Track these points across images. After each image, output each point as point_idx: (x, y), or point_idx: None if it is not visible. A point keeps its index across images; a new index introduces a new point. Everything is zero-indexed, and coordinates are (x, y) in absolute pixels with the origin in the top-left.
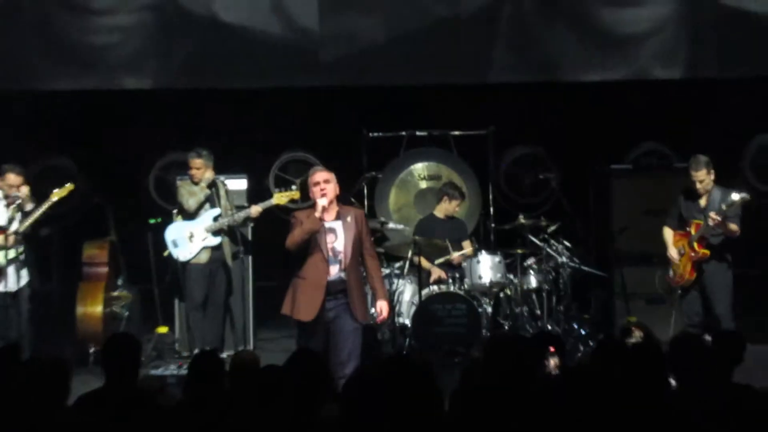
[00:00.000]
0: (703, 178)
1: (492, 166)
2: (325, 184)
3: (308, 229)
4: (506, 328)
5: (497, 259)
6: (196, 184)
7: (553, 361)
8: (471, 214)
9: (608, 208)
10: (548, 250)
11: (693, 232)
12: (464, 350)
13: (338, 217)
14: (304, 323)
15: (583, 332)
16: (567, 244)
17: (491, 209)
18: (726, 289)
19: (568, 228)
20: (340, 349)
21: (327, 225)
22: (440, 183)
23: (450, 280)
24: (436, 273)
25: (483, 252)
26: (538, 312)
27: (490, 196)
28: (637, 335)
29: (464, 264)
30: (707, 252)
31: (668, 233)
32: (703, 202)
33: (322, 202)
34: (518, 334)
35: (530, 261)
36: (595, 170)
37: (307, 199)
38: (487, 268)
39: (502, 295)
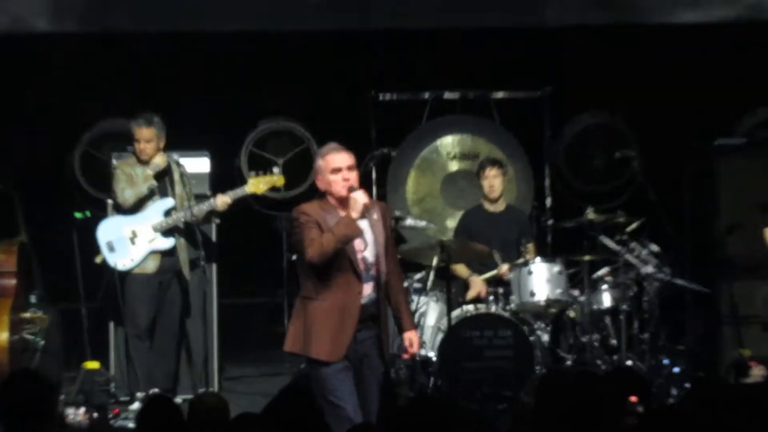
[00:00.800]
0: None
1: (549, 140)
2: (349, 173)
3: (344, 234)
4: (568, 363)
5: (556, 268)
6: (145, 163)
7: (633, 410)
8: (519, 206)
9: (711, 198)
10: (627, 256)
11: None
12: (510, 393)
13: (362, 214)
14: (322, 365)
15: (676, 369)
16: (654, 248)
17: (548, 200)
18: None
19: (656, 226)
20: (369, 403)
21: None
22: (478, 162)
23: (491, 298)
24: (477, 287)
25: (537, 259)
26: (614, 341)
27: (546, 182)
28: (756, 373)
29: (511, 276)
30: None
31: None
32: None
33: (361, 197)
34: (585, 371)
35: (602, 272)
36: (692, 147)
37: (295, 187)
38: (542, 281)
39: (563, 317)
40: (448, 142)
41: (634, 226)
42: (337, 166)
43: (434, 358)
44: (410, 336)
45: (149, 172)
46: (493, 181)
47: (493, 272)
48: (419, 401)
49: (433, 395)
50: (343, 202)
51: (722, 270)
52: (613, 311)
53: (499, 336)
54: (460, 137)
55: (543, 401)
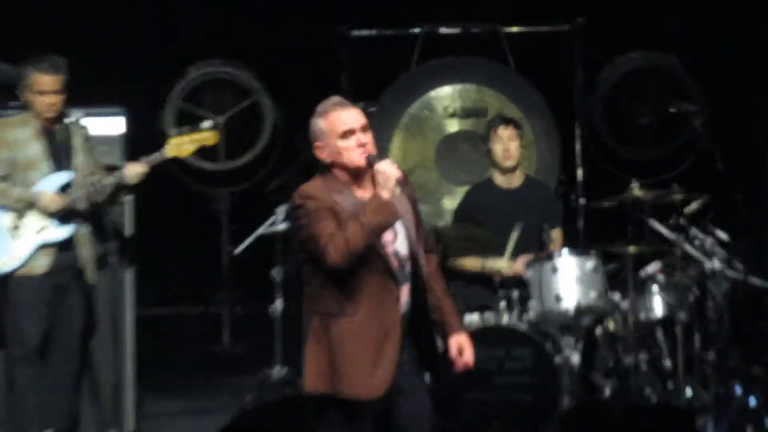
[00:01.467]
0: None
1: (581, 89)
2: (364, 135)
3: (377, 224)
4: (607, 392)
5: (590, 264)
6: (57, 122)
7: None
8: (541, 179)
9: None
10: (687, 247)
11: None
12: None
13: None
14: (357, 405)
15: (752, 401)
16: (723, 236)
17: (579, 171)
18: None
19: (725, 207)
20: None
21: None
22: (485, 121)
23: (502, 304)
24: (517, 267)
25: (564, 252)
26: (668, 363)
27: (577, 147)
28: None
29: (529, 274)
30: None
31: None
32: None
33: (391, 169)
34: (630, 404)
35: (653, 268)
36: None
37: (240, 155)
38: (571, 281)
39: (599, 331)
40: (445, 94)
41: (695, 206)
42: (348, 127)
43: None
44: (459, 341)
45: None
46: (508, 143)
47: (499, 267)
48: None
49: None
50: (359, 176)
51: None
52: (666, 322)
53: (514, 357)
54: (462, 88)
55: None
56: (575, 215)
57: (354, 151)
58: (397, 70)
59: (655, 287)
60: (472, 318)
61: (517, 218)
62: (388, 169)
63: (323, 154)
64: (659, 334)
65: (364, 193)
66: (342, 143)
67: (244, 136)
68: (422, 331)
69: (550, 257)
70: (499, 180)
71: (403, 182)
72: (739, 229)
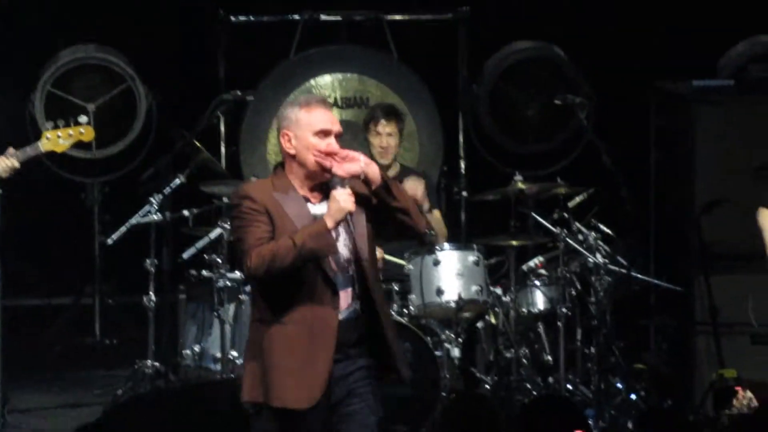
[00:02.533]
0: None
1: (465, 79)
2: (336, 141)
3: (310, 250)
4: (487, 387)
5: (472, 258)
6: None
7: None
8: (424, 171)
9: (687, 162)
10: (569, 241)
11: None
12: (407, 429)
13: (326, 192)
14: (289, 416)
15: (633, 396)
16: (606, 230)
17: (462, 163)
18: None
19: (609, 201)
20: None
21: (313, 211)
22: (365, 113)
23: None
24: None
25: (445, 245)
26: (549, 357)
27: (460, 138)
28: (743, 400)
29: (410, 268)
30: None
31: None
32: None
33: (346, 201)
34: (509, 398)
35: (535, 262)
36: (660, 91)
37: (112, 143)
38: (452, 274)
39: (480, 325)
40: (325, 83)
41: (579, 199)
42: (325, 127)
43: None
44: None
45: None
46: (387, 140)
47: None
48: None
49: None
50: (314, 180)
51: (698, 261)
52: (548, 316)
53: None
54: (343, 77)
55: None
56: (457, 208)
57: (319, 153)
58: (277, 58)
59: (537, 282)
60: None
61: None
62: (342, 200)
63: (288, 144)
64: (540, 328)
65: (311, 199)
66: (314, 140)
67: (116, 124)
68: (376, 336)
69: (431, 250)
70: None
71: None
72: (624, 224)
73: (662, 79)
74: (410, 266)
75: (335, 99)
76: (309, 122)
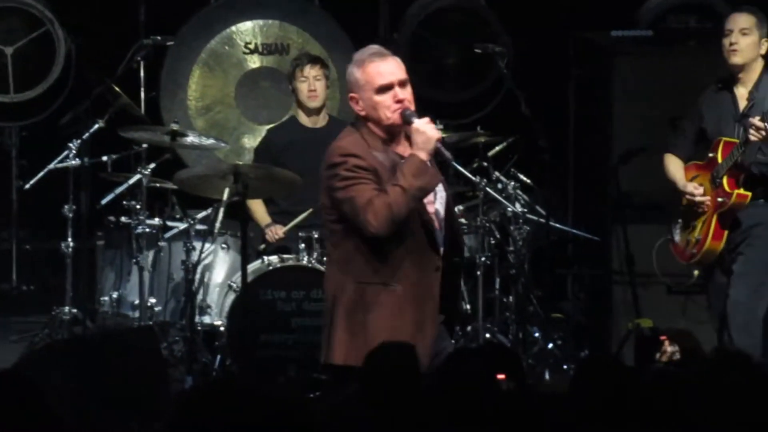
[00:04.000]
0: (742, 25)
1: (386, 27)
2: (402, 90)
3: (418, 187)
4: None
5: None
6: None
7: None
8: (344, 119)
9: (606, 112)
10: (489, 190)
11: (720, 159)
12: (324, 377)
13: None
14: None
15: (550, 345)
16: (525, 179)
17: None
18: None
19: (527, 150)
20: None
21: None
22: (288, 58)
23: (302, 245)
24: (274, 230)
25: None
26: (468, 307)
27: None
28: (667, 351)
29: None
30: (746, 195)
31: (674, 163)
32: (742, 102)
33: (430, 129)
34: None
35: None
36: (579, 40)
37: (30, 86)
38: None
39: None
40: (246, 29)
41: (498, 149)
42: (385, 82)
43: (222, 329)
44: None
45: None
46: (314, 83)
47: (304, 216)
48: (202, 388)
49: (220, 379)
50: (394, 133)
51: (617, 212)
52: (467, 265)
53: (313, 298)
54: (264, 23)
55: (369, 388)
56: None
57: (390, 107)
58: (197, 4)
59: None
60: (272, 259)
61: (321, 158)
62: (427, 130)
63: (358, 107)
64: (461, 277)
65: (403, 150)
66: (378, 98)
67: (35, 68)
68: (448, 292)
69: None
70: (303, 119)
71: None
72: (542, 174)
73: (582, 29)
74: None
75: (256, 45)
76: (367, 81)
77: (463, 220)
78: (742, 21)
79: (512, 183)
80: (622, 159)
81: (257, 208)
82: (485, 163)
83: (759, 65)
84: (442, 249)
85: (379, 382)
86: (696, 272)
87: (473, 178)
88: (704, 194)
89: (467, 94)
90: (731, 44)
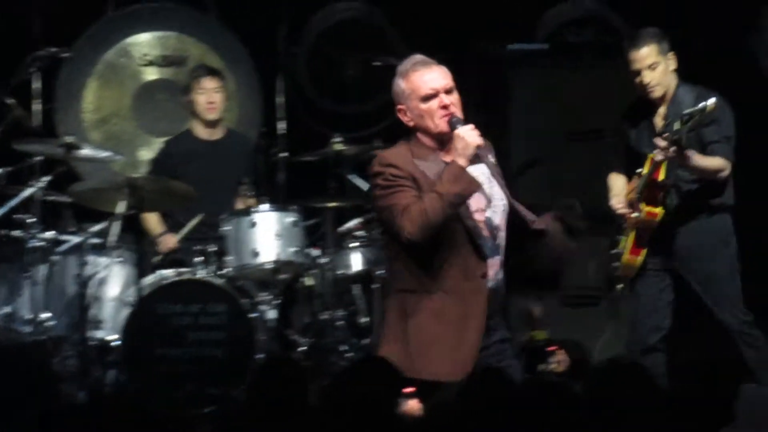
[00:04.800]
0: (648, 61)
1: (285, 41)
2: (448, 96)
3: (454, 194)
4: (304, 349)
5: (289, 219)
6: None
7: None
8: (242, 132)
9: (503, 125)
10: None
11: (643, 174)
12: (220, 392)
13: (474, 155)
14: (433, 388)
15: None
16: None
17: (280, 124)
18: (729, 278)
19: None
20: None
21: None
22: (185, 70)
23: (197, 259)
24: (168, 241)
25: (262, 206)
26: (365, 319)
27: (280, 100)
28: (556, 362)
29: (226, 228)
30: (656, 213)
31: (614, 180)
32: (659, 121)
33: (470, 135)
34: (324, 361)
35: (352, 224)
36: (476, 53)
37: None
38: (269, 236)
39: (298, 285)
40: (143, 41)
41: None
42: (430, 90)
43: (116, 343)
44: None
45: None
46: (213, 95)
47: (194, 222)
48: (93, 403)
49: (113, 395)
50: (445, 141)
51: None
52: (365, 278)
53: (209, 312)
54: (161, 35)
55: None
56: (276, 169)
57: (436, 114)
58: (94, 15)
59: (354, 243)
60: (167, 273)
61: (217, 171)
62: (467, 135)
63: (406, 118)
64: (356, 290)
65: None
66: (424, 106)
67: None
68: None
69: (248, 212)
70: (200, 132)
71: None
72: None
73: (479, 41)
74: (227, 227)
75: (153, 58)
76: (412, 91)
77: (360, 233)
78: (645, 56)
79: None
80: (519, 170)
81: (151, 218)
82: None
83: (674, 81)
84: (498, 257)
85: (264, 398)
86: (618, 286)
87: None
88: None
89: (367, 106)
90: (646, 84)
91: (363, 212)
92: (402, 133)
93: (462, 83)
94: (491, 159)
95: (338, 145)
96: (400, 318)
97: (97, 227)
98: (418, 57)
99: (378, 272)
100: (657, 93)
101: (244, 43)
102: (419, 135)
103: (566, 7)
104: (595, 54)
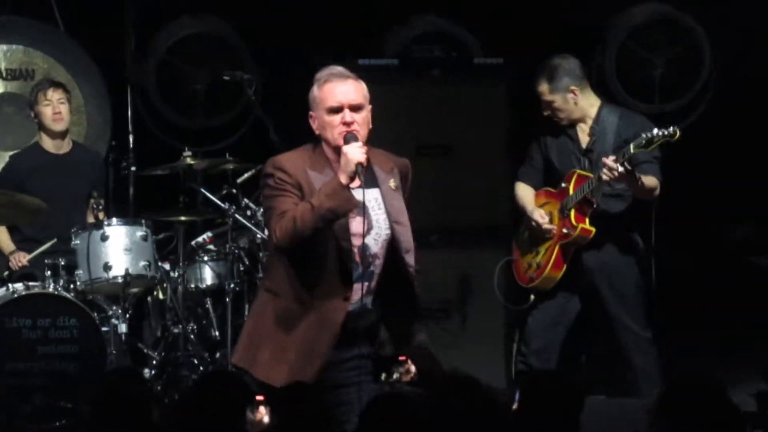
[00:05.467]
0: (543, 98)
1: (134, 55)
2: (354, 114)
3: (327, 208)
4: (153, 364)
5: (140, 233)
6: None
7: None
8: (91, 146)
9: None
10: (238, 217)
11: (571, 190)
12: (72, 405)
13: (371, 178)
14: (281, 391)
15: None
16: None
17: (131, 138)
18: (636, 299)
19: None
20: None
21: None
22: (32, 84)
23: (48, 272)
24: (19, 258)
25: (113, 221)
26: (217, 333)
27: (129, 113)
28: (405, 371)
29: (76, 242)
30: (590, 230)
31: (523, 189)
32: (584, 137)
33: (354, 152)
34: (175, 374)
35: (204, 237)
36: (322, 68)
37: None
38: (119, 250)
39: (149, 299)
40: None
41: (247, 175)
42: (335, 102)
43: None
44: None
45: None
46: (58, 105)
47: (48, 245)
48: None
49: None
50: (341, 155)
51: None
52: (216, 291)
53: (59, 326)
54: (8, 48)
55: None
56: (126, 183)
57: (336, 128)
58: None
59: (205, 257)
60: (17, 287)
61: (66, 185)
62: (350, 152)
63: (314, 125)
64: (209, 303)
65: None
66: (328, 118)
67: None
68: (380, 331)
69: (99, 225)
70: (48, 145)
71: (403, 176)
72: None
73: (329, 55)
74: (77, 241)
75: (0, 71)
76: (321, 99)
77: (212, 247)
78: (540, 93)
79: (261, 209)
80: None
81: (1, 235)
82: (234, 190)
83: (593, 105)
84: (365, 283)
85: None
86: (532, 296)
87: (222, 205)
88: (551, 222)
89: (216, 120)
90: (547, 116)
91: (214, 226)
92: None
93: (302, 102)
94: (392, 184)
95: (189, 158)
96: (257, 314)
97: None
98: (337, 68)
99: (231, 285)
100: (564, 122)
101: (91, 56)
102: (324, 144)
103: (414, 23)
104: (443, 69)
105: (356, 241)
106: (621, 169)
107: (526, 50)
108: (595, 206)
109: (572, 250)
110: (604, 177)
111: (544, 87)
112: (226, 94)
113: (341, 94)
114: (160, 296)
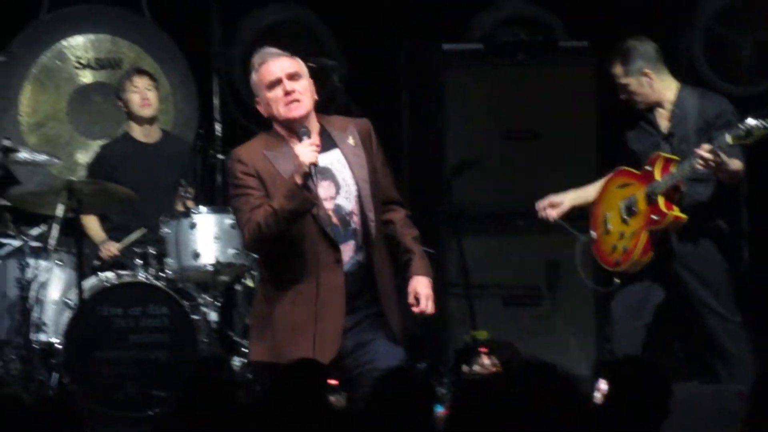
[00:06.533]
0: (618, 81)
1: (219, 44)
2: (293, 82)
3: (288, 212)
4: (243, 352)
5: (229, 221)
6: None
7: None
8: (179, 134)
9: (439, 125)
10: None
11: (658, 175)
12: (164, 394)
13: (329, 141)
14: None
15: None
16: None
17: (217, 126)
18: (723, 285)
19: None
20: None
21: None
22: (120, 73)
23: (138, 261)
24: (109, 248)
25: (202, 209)
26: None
27: (216, 102)
28: (484, 365)
29: (166, 231)
30: (682, 218)
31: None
32: (663, 121)
33: (305, 153)
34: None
35: None
36: (410, 53)
37: None
38: (209, 238)
39: (239, 287)
40: (77, 44)
41: None
42: (273, 77)
43: (59, 346)
44: (417, 284)
45: None
46: (145, 92)
47: (137, 234)
48: (40, 406)
49: (56, 397)
50: (294, 129)
51: (450, 222)
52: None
53: (150, 314)
54: (96, 37)
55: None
56: (213, 171)
57: (280, 101)
58: (27, 18)
59: None
60: (108, 275)
61: (155, 174)
62: (302, 154)
63: (261, 110)
64: None
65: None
66: (270, 94)
67: None
68: (382, 285)
69: (187, 214)
70: (137, 133)
71: (364, 132)
72: None
73: (414, 41)
74: (166, 229)
75: (88, 60)
76: (260, 81)
77: None
78: (615, 76)
79: None
80: (455, 171)
81: (91, 224)
82: None
83: (670, 88)
84: (352, 242)
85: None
86: (616, 279)
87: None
88: (636, 205)
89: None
90: (624, 99)
91: None
92: None
93: (396, 83)
94: (350, 141)
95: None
96: (262, 307)
97: (36, 230)
98: (268, 49)
99: None
100: (640, 106)
101: (177, 44)
102: (275, 125)
103: (499, 6)
104: (528, 52)
105: (328, 205)
106: (713, 157)
107: (612, 33)
108: (681, 192)
109: (659, 236)
110: (698, 167)
111: (618, 70)
112: (313, 81)
113: (277, 67)
114: (249, 283)
